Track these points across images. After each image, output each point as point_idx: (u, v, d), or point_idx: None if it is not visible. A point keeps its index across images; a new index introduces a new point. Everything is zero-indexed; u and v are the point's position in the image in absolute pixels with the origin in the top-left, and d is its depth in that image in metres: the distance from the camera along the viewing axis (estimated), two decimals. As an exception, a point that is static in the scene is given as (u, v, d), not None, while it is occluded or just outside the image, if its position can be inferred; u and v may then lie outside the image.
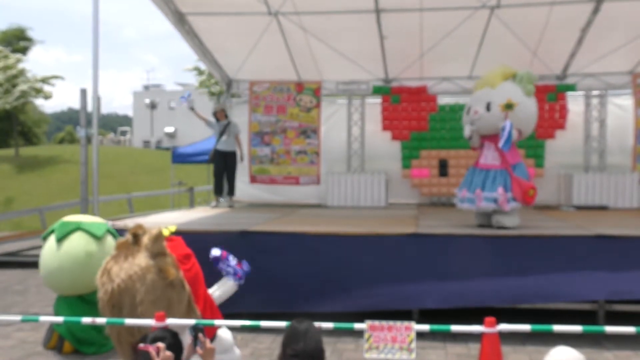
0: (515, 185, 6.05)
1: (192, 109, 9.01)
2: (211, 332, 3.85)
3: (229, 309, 4.59)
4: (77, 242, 5.11)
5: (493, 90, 6.21)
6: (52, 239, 5.20)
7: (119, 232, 5.78)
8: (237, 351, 4.22)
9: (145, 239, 3.76)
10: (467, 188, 6.36)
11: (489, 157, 6.27)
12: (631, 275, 5.48)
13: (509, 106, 6.01)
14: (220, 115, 9.47)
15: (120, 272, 3.66)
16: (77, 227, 5.19)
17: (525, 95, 6.12)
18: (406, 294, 5.67)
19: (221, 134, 9.36)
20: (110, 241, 5.31)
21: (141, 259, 3.70)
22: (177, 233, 4.74)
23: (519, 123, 6.09)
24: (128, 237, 3.88)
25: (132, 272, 3.64)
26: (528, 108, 6.19)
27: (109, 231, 5.44)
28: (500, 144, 5.98)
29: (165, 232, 3.97)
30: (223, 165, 9.47)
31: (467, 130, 6.43)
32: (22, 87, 27.14)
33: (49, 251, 5.16)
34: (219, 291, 4.35)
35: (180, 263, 3.84)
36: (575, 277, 5.52)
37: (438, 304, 5.60)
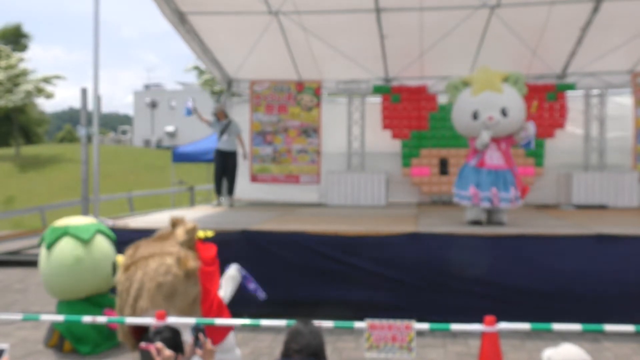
0: (519, 184, 6.38)
1: (195, 110, 9.28)
2: (222, 334, 3.90)
3: (229, 308, 4.58)
4: (65, 249, 5.10)
5: (501, 94, 6.23)
6: (44, 246, 5.24)
7: (117, 231, 5.78)
8: (237, 351, 4.22)
9: (180, 230, 3.89)
10: (475, 186, 6.28)
11: (494, 157, 6.35)
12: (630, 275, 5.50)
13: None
14: (221, 115, 9.53)
15: (144, 251, 3.80)
16: (65, 233, 5.17)
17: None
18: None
19: (222, 133, 9.39)
20: (100, 241, 5.25)
21: (169, 246, 3.83)
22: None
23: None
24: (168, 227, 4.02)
25: (155, 253, 3.74)
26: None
27: (99, 231, 5.35)
28: (533, 146, 6.30)
29: (201, 234, 4.12)
30: (223, 165, 9.49)
31: (485, 136, 6.17)
32: (27, 86, 27.17)
33: (42, 258, 5.21)
34: (229, 288, 4.34)
35: (203, 263, 3.90)
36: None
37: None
